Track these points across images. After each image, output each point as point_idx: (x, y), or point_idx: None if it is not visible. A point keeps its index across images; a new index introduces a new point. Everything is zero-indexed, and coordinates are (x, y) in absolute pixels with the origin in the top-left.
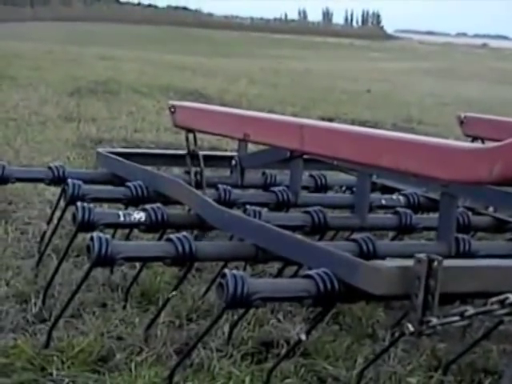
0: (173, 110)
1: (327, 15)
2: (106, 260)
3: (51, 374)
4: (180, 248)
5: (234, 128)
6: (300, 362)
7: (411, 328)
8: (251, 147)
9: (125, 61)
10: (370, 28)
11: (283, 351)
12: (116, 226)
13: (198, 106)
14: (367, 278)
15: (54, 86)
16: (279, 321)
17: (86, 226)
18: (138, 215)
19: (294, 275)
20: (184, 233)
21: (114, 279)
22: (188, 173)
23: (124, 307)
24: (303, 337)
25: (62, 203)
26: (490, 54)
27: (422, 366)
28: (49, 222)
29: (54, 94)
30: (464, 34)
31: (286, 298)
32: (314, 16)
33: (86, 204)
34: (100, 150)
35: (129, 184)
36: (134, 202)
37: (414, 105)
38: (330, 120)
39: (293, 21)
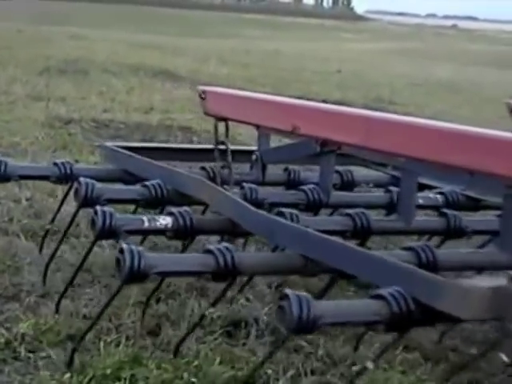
0: (203, 95)
1: None
2: (138, 275)
3: (19, 353)
4: (221, 260)
5: (280, 118)
6: (268, 341)
7: (506, 358)
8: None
9: (95, 40)
10: (341, 8)
11: (253, 330)
12: (140, 232)
13: (234, 93)
14: (453, 299)
15: (23, 66)
16: (248, 300)
17: (107, 233)
18: (165, 221)
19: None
20: (225, 243)
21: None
22: (204, 169)
23: (92, 287)
24: (370, 365)
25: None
26: (459, 34)
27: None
28: (53, 220)
29: (24, 74)
30: (434, 15)
31: (355, 323)
32: None
33: (106, 208)
34: (108, 144)
35: (146, 183)
36: (152, 202)
37: (384, 85)
38: (301, 99)
39: (263, 1)
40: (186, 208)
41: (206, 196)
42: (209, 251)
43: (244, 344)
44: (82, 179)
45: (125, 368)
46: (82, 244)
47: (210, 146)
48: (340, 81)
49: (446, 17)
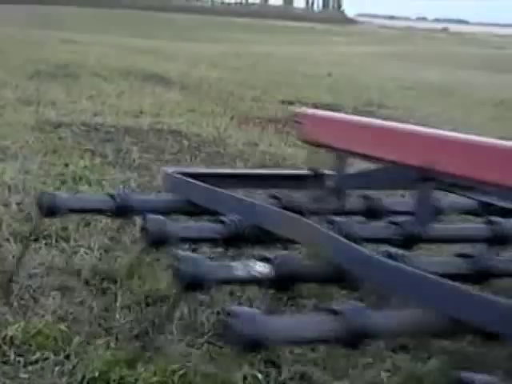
0: (300, 119)
1: None
2: (256, 344)
3: (8, 357)
4: (352, 322)
5: (408, 151)
6: None
7: None
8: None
9: (86, 44)
10: (331, 12)
11: None
12: (232, 282)
13: (342, 118)
14: None
15: (13, 70)
16: (240, 304)
17: (195, 284)
18: (262, 268)
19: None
20: (353, 301)
21: (73, 264)
22: (276, 198)
23: (82, 291)
24: None
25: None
26: (450, 38)
27: None
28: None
29: (14, 78)
30: (424, 19)
31: None
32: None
33: (192, 254)
34: (168, 170)
35: (224, 219)
36: (231, 241)
37: (374, 88)
38: (291, 103)
39: (253, 4)
40: (286, 252)
41: (301, 235)
42: (335, 312)
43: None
44: (150, 216)
45: (114, 371)
46: (71, 248)
47: (282, 172)
48: (330, 84)
49: (437, 20)
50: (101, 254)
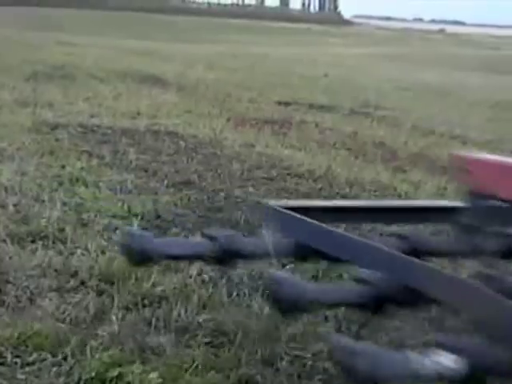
0: (467, 166)
1: (284, 0)
2: None
3: (5, 358)
4: None
5: None
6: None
7: None
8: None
9: (83, 46)
10: (328, 13)
11: (238, 337)
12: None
13: None
14: None
15: (10, 71)
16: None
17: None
18: (449, 360)
19: None
20: None
21: (70, 265)
22: (404, 238)
23: (79, 292)
24: None
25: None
26: (446, 39)
27: None
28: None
29: (11, 79)
30: (421, 20)
31: None
32: (272, 1)
33: (346, 340)
34: (274, 204)
35: (368, 279)
36: (372, 306)
37: (371, 89)
38: (287, 104)
39: (250, 6)
40: (482, 342)
41: (477, 308)
42: None
43: (229, 350)
44: (277, 274)
45: (110, 371)
46: (68, 249)
47: (400, 203)
48: (327, 85)
49: (434, 21)
50: (97, 255)
